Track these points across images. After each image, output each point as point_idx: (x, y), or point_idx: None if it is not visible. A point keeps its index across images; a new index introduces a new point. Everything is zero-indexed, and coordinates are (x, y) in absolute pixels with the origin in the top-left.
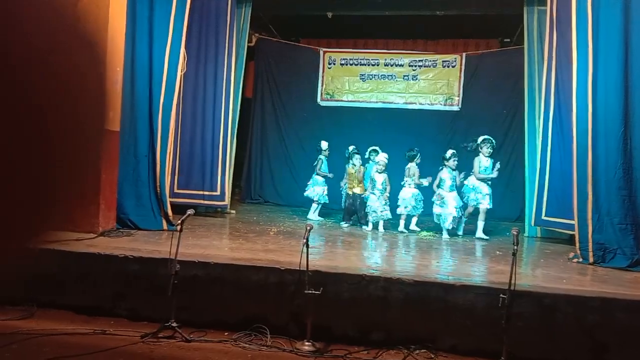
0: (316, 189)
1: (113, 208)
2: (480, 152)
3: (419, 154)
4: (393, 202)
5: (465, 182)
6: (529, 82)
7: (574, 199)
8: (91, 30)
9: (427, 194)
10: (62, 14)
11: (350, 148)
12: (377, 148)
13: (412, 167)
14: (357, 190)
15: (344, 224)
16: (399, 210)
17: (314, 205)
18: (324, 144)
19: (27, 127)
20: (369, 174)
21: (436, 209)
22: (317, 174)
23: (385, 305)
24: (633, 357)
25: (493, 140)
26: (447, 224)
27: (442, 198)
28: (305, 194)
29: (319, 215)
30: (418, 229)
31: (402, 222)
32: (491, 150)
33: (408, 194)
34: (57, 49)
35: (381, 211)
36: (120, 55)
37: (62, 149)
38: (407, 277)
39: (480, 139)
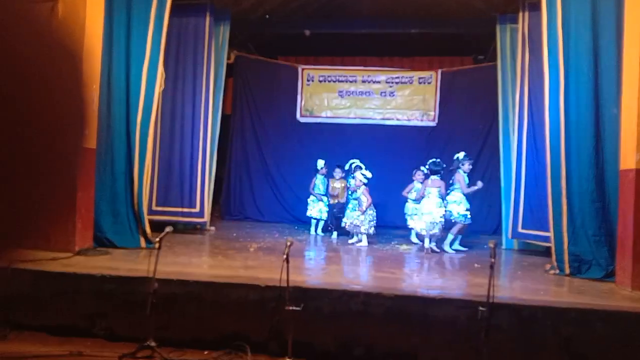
0: (313, 208)
1: (90, 227)
2: (461, 168)
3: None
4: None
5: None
6: (502, 98)
7: (549, 212)
8: (70, 41)
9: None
10: (38, 25)
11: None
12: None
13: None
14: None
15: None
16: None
17: (313, 222)
18: (320, 163)
19: (2, 139)
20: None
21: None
22: (311, 194)
23: (366, 320)
24: None
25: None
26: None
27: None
28: (307, 214)
29: (322, 231)
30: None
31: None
32: (471, 167)
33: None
34: (34, 58)
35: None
36: (97, 73)
37: (39, 163)
38: (387, 291)
39: (461, 155)
